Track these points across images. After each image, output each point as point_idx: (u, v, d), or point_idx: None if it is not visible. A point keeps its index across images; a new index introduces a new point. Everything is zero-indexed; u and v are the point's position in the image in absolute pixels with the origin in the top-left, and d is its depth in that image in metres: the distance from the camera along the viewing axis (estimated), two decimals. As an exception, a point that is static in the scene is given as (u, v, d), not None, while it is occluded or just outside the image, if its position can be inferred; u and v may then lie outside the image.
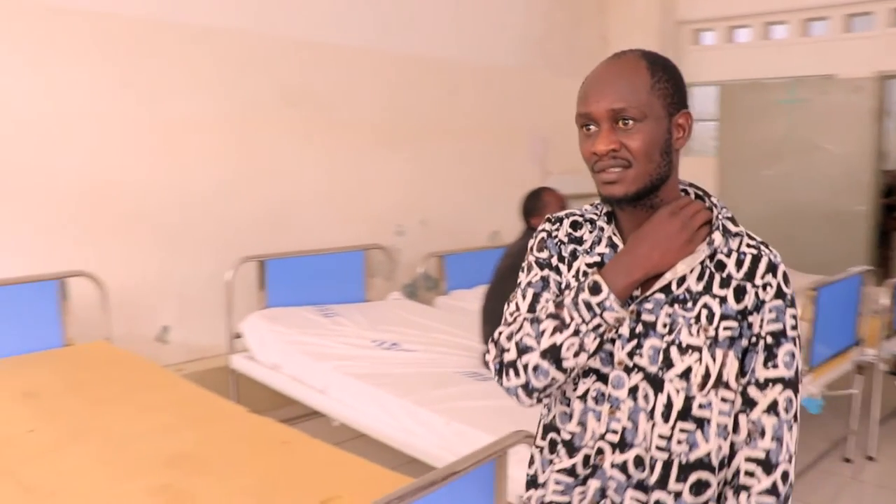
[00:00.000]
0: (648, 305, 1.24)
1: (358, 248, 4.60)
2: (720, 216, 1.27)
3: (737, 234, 1.26)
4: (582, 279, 1.28)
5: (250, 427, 2.70)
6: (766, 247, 1.25)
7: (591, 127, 1.23)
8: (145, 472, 2.26)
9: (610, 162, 1.21)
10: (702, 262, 1.24)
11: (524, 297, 1.34)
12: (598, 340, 1.22)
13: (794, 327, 1.22)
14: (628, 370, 1.24)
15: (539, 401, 1.28)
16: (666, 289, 1.23)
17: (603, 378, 1.25)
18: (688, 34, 6.63)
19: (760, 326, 1.21)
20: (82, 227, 3.74)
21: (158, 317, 4.09)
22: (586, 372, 1.27)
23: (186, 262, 4.14)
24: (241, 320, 3.93)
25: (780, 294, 1.22)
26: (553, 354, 1.21)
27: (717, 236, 1.24)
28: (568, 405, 1.30)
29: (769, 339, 1.21)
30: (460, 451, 2.54)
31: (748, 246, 1.25)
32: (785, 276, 1.23)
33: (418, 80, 5.21)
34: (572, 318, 1.22)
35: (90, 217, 3.75)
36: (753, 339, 1.22)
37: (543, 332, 1.23)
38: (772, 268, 1.22)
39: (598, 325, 1.21)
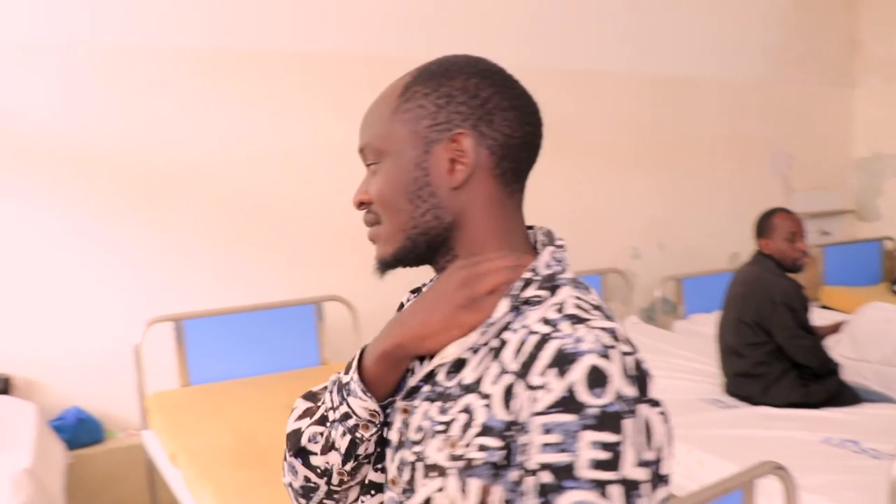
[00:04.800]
0: (415, 401, 0.87)
1: (595, 272, 4.62)
2: (532, 275, 0.85)
3: (539, 302, 0.82)
4: None
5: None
6: (577, 323, 0.75)
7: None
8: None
9: (365, 217, 0.94)
10: (489, 343, 0.83)
11: None
12: (348, 437, 0.89)
13: (606, 465, 0.68)
14: (406, 490, 0.86)
15: None
16: (434, 377, 0.86)
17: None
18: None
19: (526, 454, 0.73)
20: (336, 255, 4.04)
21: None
22: (368, 486, 0.95)
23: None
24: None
25: (568, 405, 0.70)
26: (294, 442, 0.93)
27: (504, 305, 0.82)
28: None
29: (545, 478, 0.70)
30: (702, 479, 2.50)
31: (544, 322, 0.78)
32: (595, 375, 0.70)
33: (656, 100, 5.14)
34: (323, 401, 0.92)
35: (342, 245, 4.05)
36: (524, 473, 0.73)
37: (293, 411, 0.96)
38: (561, 360, 0.72)
39: (347, 416, 0.88)
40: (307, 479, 0.93)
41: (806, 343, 3.15)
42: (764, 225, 3.31)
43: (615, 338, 0.74)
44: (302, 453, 0.92)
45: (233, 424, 2.96)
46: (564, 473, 0.69)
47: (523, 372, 0.75)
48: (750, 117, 5.63)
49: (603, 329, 0.74)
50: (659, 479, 0.71)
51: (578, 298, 0.80)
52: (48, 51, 3.37)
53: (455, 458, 0.77)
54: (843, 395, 3.14)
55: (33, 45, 3.34)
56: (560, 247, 0.90)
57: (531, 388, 0.73)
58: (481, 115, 0.87)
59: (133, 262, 3.58)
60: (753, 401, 3.17)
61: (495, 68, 0.93)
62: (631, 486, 0.68)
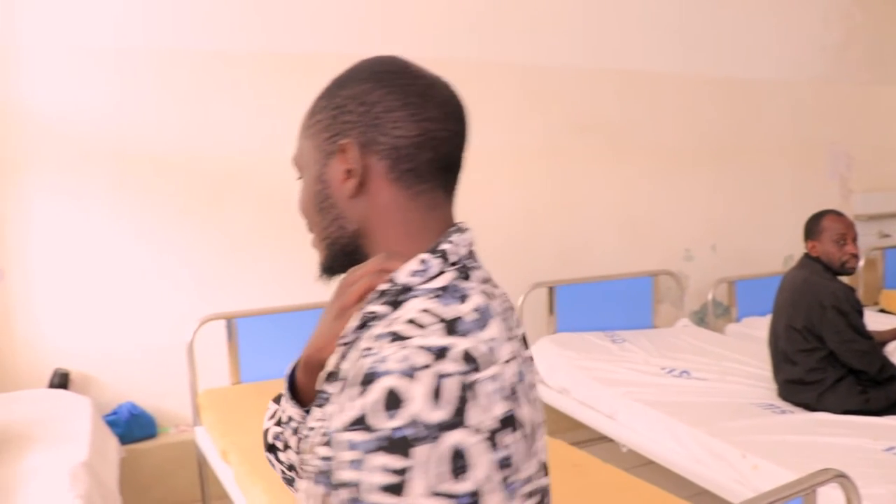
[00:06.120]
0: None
1: (647, 273, 4.56)
2: (389, 285, 0.83)
3: (379, 317, 0.81)
4: None
5: (542, 448, 2.76)
6: (395, 341, 0.72)
7: None
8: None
9: (307, 227, 0.99)
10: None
11: None
12: (296, 437, 0.93)
13: (392, 490, 0.67)
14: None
15: None
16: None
17: None
18: None
19: (335, 468, 0.73)
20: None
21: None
22: None
23: (479, 287, 4.32)
24: (532, 344, 4.03)
25: (363, 424, 0.69)
26: (265, 440, 1.00)
27: (355, 320, 0.84)
28: None
29: (344, 493, 0.70)
30: (758, 486, 2.45)
31: (374, 338, 0.75)
32: (390, 397, 0.68)
33: (712, 101, 5.06)
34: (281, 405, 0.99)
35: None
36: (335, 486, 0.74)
37: (266, 412, 1.02)
38: (365, 379, 0.70)
39: (291, 418, 0.94)
40: (283, 472, 0.99)
41: (860, 347, 3.06)
42: (813, 227, 3.24)
43: (438, 357, 0.70)
44: (272, 450, 0.99)
45: (283, 422, 2.97)
46: (356, 492, 0.68)
47: (344, 388, 0.74)
48: (808, 117, 5.51)
49: (423, 347, 0.71)
50: None
51: (425, 312, 0.76)
52: (106, 56, 3.44)
53: (310, 463, 0.80)
54: (907, 403, 3.05)
55: (92, 50, 3.41)
56: (436, 251, 0.85)
57: (344, 404, 0.72)
58: (369, 122, 0.87)
59: (187, 261, 3.63)
60: (809, 407, 3.10)
61: (394, 68, 0.90)
62: None
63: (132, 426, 3.43)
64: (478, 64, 4.25)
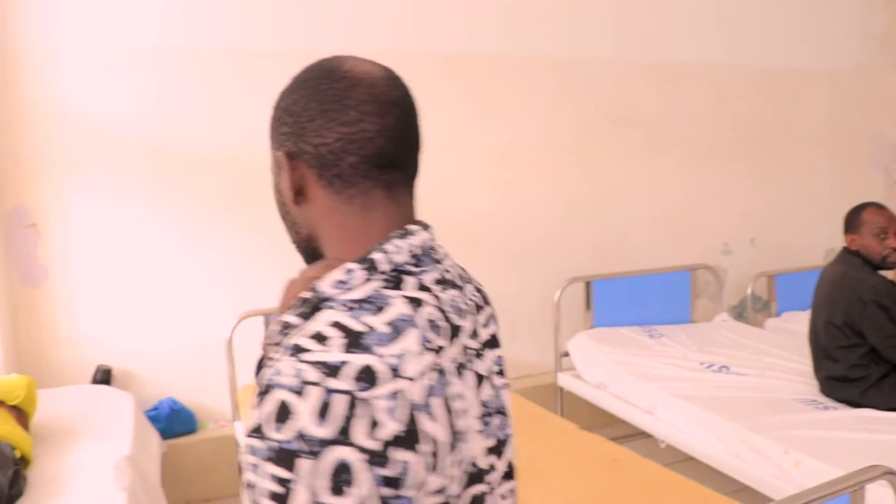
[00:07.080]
0: None
1: (684, 268, 4.52)
2: (311, 294, 0.83)
3: (292, 327, 0.82)
4: None
5: (581, 444, 2.76)
6: (293, 354, 0.74)
7: None
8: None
9: None
10: None
11: None
12: None
13: (279, 499, 0.70)
14: None
15: None
16: None
17: None
18: None
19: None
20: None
21: (489, 334, 4.30)
22: None
23: (517, 283, 4.32)
24: (568, 339, 4.02)
25: (259, 433, 0.71)
26: None
27: (273, 325, 0.86)
28: None
29: (247, 493, 0.74)
30: (801, 483, 2.42)
31: (281, 348, 0.78)
32: (280, 410, 0.71)
33: (750, 92, 4.99)
34: None
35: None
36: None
37: None
38: (263, 390, 0.73)
39: None
40: None
41: None
42: (852, 220, 3.18)
43: (330, 374, 0.71)
44: None
45: (321, 417, 2.98)
46: (254, 495, 0.71)
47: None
48: (850, 107, 5.41)
49: (317, 363, 0.72)
50: None
51: (332, 325, 0.77)
52: (144, 56, 3.48)
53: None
54: (957, 400, 2.98)
55: (130, 50, 3.46)
56: (365, 260, 0.84)
57: (250, 410, 0.75)
58: (296, 131, 0.88)
59: (225, 258, 3.66)
60: (853, 404, 3.05)
61: (319, 74, 0.90)
62: None
63: (173, 421, 3.47)
64: (511, 57, 4.24)
